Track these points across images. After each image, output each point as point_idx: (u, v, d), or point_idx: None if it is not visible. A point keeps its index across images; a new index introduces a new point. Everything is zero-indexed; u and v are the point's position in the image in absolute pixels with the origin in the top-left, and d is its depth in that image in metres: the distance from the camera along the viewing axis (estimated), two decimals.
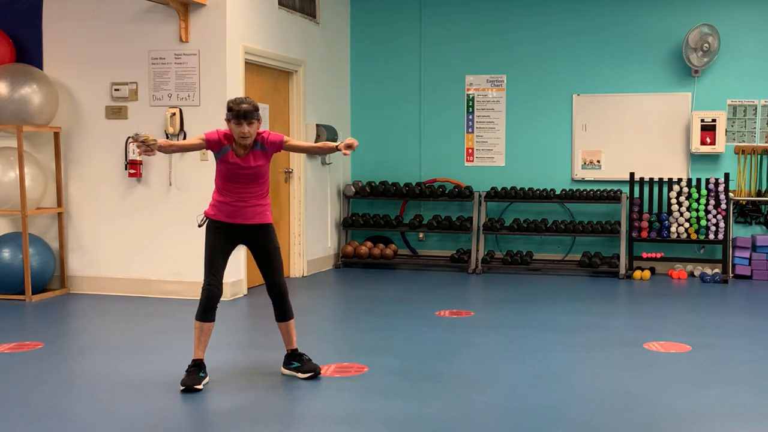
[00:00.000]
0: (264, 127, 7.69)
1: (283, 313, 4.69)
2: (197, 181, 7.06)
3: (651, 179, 8.59)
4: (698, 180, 8.48)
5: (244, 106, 4.41)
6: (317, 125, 8.42)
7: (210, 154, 7.01)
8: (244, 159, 4.50)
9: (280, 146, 4.56)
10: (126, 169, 7.21)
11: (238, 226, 4.54)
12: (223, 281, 4.60)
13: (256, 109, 4.47)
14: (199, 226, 4.62)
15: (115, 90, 7.23)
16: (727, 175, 8.38)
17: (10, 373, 4.80)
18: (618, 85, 8.88)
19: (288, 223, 8.31)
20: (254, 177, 4.53)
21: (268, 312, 4.83)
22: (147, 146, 4.28)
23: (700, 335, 5.80)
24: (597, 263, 8.45)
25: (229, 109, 4.43)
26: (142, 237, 7.24)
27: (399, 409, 4.12)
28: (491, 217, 9.06)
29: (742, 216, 8.62)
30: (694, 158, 8.70)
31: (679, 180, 8.51)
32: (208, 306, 4.49)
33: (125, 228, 7.28)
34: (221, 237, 4.54)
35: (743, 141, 8.61)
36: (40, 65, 7.39)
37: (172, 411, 4.16)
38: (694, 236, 8.40)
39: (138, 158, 7.13)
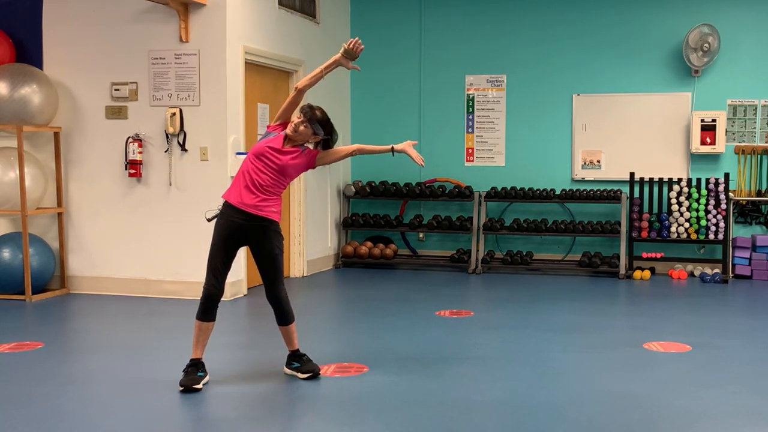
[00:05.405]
0: (263, 125, 7.69)
1: (283, 318, 4.68)
2: (197, 181, 7.06)
3: (651, 179, 8.59)
4: (698, 180, 8.48)
5: (317, 113, 4.55)
6: None
7: (212, 152, 7.01)
8: (286, 149, 4.52)
9: (314, 156, 4.61)
10: (126, 169, 7.20)
11: (245, 219, 4.48)
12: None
13: (323, 126, 4.54)
14: (208, 220, 4.63)
15: (115, 90, 7.23)
16: (727, 175, 8.38)
17: (10, 373, 4.80)
18: (618, 85, 8.88)
19: (288, 223, 8.31)
20: (279, 169, 4.49)
21: (268, 312, 4.83)
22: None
23: (700, 335, 5.80)
24: (597, 263, 8.45)
25: (304, 108, 4.59)
26: (142, 237, 7.24)
27: (399, 409, 4.12)
28: (491, 217, 9.06)
29: (742, 216, 8.62)
30: (694, 158, 8.70)
31: (679, 180, 8.51)
32: (207, 306, 4.50)
33: (125, 228, 7.28)
34: (227, 236, 4.51)
35: (743, 141, 8.61)
36: (40, 65, 7.39)
37: (172, 411, 4.16)
38: (694, 236, 8.40)
39: (138, 158, 7.13)
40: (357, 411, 4.11)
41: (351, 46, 4.59)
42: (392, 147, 4.71)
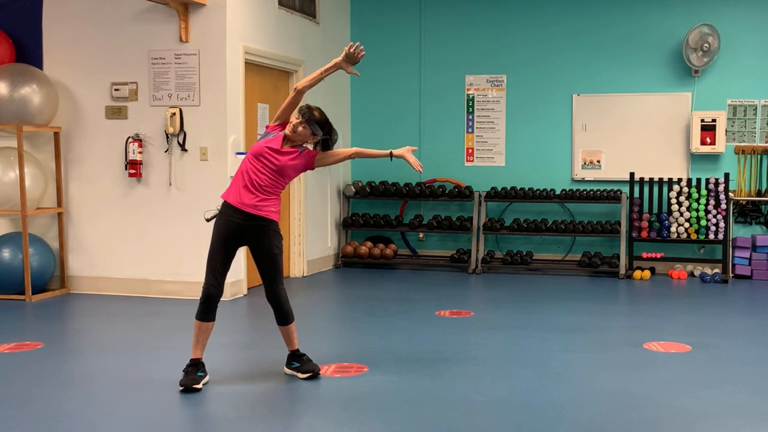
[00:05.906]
0: (263, 125, 7.70)
1: (282, 318, 4.68)
2: (197, 181, 7.06)
3: (651, 179, 8.59)
4: (698, 180, 8.48)
5: (316, 113, 4.53)
6: None
7: (212, 152, 7.02)
8: (285, 149, 4.52)
9: (312, 157, 4.60)
10: (126, 169, 7.20)
11: (244, 219, 4.48)
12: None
13: (322, 126, 4.52)
14: (207, 220, 4.63)
15: (115, 90, 7.23)
16: (727, 175, 8.38)
17: (10, 373, 4.80)
18: (618, 85, 8.88)
19: (288, 223, 8.31)
20: (278, 169, 4.49)
21: (268, 312, 4.83)
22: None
23: (700, 335, 5.80)
24: (597, 263, 8.45)
25: (302, 109, 4.55)
26: (142, 237, 7.24)
27: (399, 409, 4.12)
28: (491, 217, 9.06)
29: (742, 216, 8.62)
30: (694, 158, 8.70)
31: (679, 180, 8.51)
32: (206, 306, 4.50)
33: (125, 228, 7.28)
34: (226, 236, 4.51)
35: (743, 141, 8.61)
36: (40, 65, 7.39)
37: (172, 411, 4.16)
38: (694, 236, 8.40)
39: (138, 158, 7.13)
40: (357, 411, 4.11)
41: (352, 50, 4.59)
42: (391, 152, 4.70)
